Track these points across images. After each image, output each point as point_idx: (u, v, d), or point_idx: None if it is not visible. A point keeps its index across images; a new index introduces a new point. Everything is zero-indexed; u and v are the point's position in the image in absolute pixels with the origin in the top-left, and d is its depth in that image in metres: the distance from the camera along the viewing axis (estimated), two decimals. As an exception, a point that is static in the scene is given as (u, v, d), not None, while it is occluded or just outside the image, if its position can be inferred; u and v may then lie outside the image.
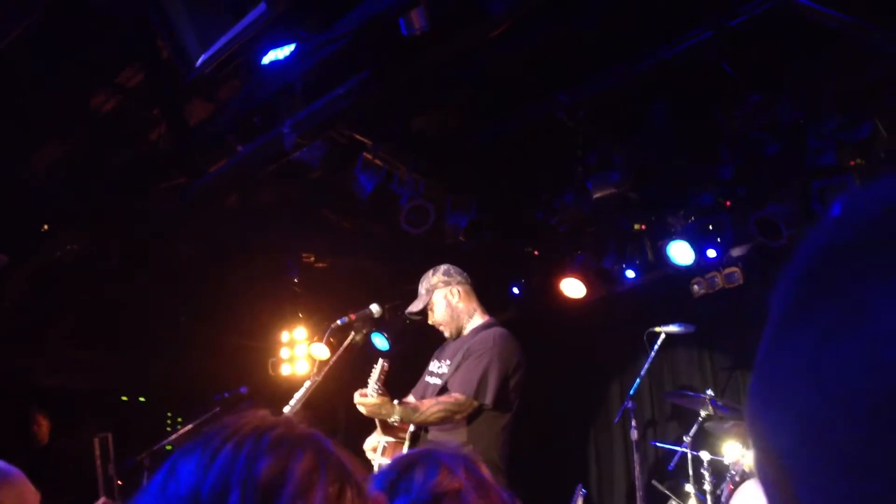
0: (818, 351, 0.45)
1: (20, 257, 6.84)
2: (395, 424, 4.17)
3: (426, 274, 4.60)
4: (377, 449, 4.28)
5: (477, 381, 4.13)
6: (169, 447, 5.44)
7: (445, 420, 4.09)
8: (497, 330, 4.39)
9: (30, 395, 7.74)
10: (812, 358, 0.46)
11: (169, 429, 8.45)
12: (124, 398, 8.61)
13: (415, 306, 4.57)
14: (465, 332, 4.51)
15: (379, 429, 4.29)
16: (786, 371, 0.48)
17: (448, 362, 4.38)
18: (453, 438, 4.11)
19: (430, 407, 4.07)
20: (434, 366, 4.51)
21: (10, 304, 7.17)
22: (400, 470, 1.39)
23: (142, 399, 8.68)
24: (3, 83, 4.83)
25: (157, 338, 8.10)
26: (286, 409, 4.32)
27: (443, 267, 4.59)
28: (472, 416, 4.16)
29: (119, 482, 5.02)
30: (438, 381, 4.34)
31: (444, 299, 4.50)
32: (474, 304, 4.56)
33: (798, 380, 0.46)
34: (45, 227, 6.87)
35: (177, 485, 0.98)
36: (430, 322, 4.57)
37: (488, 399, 4.13)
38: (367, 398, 4.02)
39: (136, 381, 8.47)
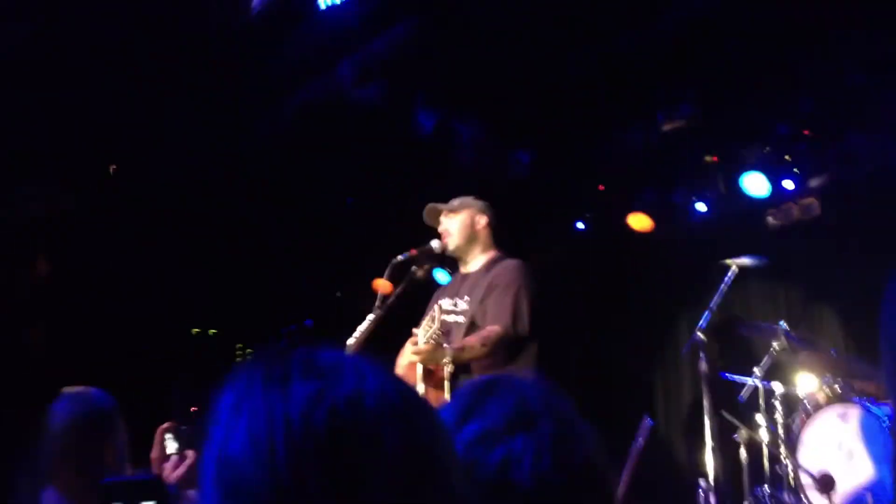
0: None
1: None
2: (446, 367, 4.12)
3: (468, 196, 4.53)
4: None
5: (511, 311, 4.09)
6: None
7: (492, 354, 4.05)
8: (515, 261, 4.35)
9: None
10: None
11: (239, 360, 8.65)
12: (195, 331, 8.81)
13: (440, 204, 4.49)
14: (474, 264, 4.44)
15: (419, 377, 4.26)
16: None
17: (467, 298, 4.31)
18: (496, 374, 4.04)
19: (476, 343, 4.03)
20: (447, 304, 4.38)
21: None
22: (477, 393, 1.32)
23: (212, 332, 8.87)
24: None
25: (225, 274, 8.22)
26: (349, 342, 4.33)
27: (485, 202, 4.51)
28: (510, 348, 4.12)
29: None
30: (461, 319, 4.27)
31: (471, 218, 4.42)
32: (490, 242, 4.47)
33: None
34: (114, 167, 6.95)
35: None
36: (439, 228, 4.46)
37: (525, 328, 4.11)
38: (419, 346, 4.01)
39: (206, 314, 8.65)
